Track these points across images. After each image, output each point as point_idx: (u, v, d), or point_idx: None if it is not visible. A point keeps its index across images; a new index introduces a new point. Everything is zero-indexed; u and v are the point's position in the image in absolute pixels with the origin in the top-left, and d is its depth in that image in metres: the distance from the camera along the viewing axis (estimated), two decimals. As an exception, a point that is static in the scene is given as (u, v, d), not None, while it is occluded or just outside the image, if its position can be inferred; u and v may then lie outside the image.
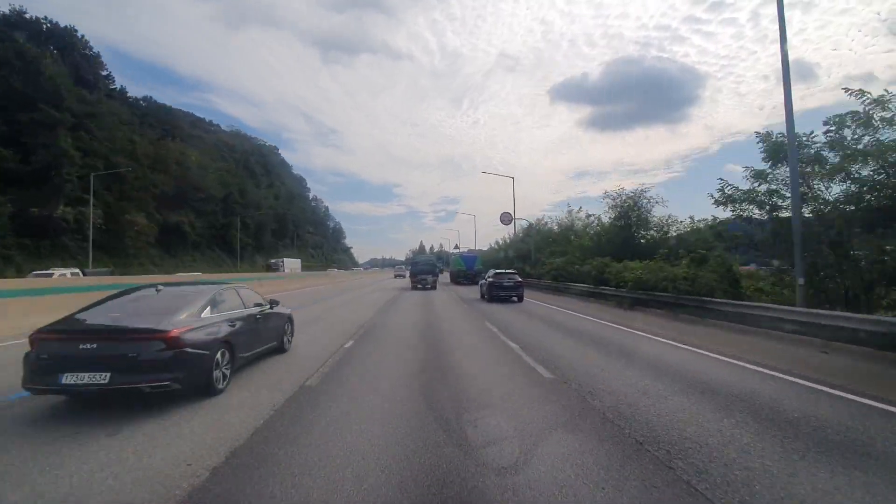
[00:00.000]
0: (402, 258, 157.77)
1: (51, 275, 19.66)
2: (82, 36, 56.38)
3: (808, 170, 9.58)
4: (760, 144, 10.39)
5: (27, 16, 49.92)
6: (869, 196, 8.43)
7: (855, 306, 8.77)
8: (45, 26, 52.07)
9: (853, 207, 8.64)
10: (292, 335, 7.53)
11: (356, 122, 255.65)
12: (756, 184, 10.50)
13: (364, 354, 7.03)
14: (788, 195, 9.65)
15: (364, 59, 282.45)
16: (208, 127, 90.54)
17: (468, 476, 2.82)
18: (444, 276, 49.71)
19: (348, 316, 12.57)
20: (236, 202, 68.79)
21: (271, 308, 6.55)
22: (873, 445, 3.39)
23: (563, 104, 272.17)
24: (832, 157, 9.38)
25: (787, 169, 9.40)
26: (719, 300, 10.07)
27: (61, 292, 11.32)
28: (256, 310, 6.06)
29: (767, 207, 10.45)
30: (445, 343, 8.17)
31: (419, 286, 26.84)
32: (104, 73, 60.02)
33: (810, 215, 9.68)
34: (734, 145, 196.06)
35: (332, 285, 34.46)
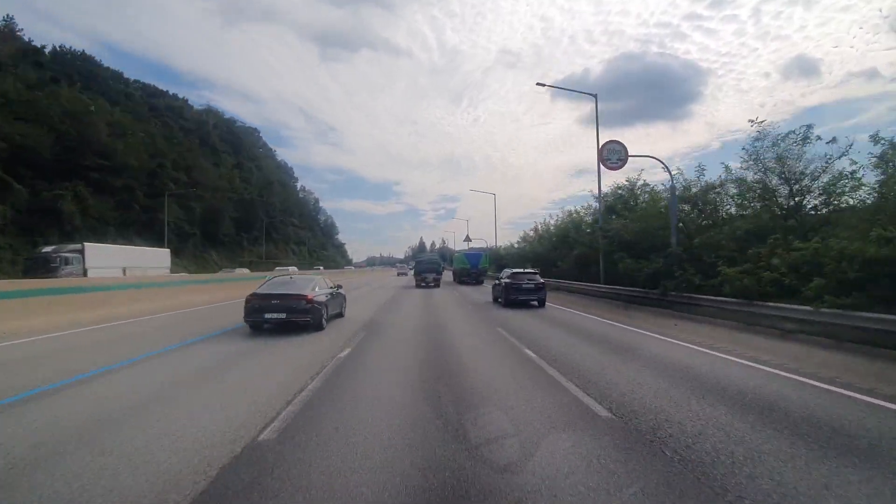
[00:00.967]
0: (402, 256, 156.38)
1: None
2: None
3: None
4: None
5: None
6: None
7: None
8: None
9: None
10: (346, 308, 12.34)
11: (356, 120, 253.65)
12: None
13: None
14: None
15: (363, 55, 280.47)
16: (172, 102, 76.85)
17: None
18: (447, 276, 48.10)
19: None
20: (173, 179, 51.99)
21: (338, 289, 11.62)
22: None
23: (564, 101, 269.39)
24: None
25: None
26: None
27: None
28: (332, 290, 10.94)
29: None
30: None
31: (423, 284, 27.94)
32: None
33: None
34: (735, 142, 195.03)
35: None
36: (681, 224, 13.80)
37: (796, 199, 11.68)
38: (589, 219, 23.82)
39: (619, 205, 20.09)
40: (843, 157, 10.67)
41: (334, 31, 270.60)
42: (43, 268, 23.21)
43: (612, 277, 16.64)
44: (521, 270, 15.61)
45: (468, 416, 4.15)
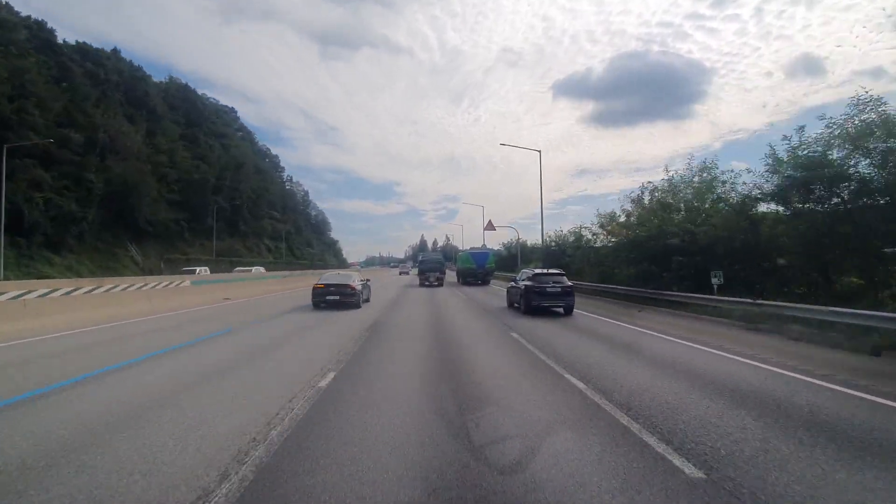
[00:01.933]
0: (402, 255, 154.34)
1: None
2: None
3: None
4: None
5: None
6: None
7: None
8: None
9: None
10: (370, 297, 17.22)
11: (356, 119, 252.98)
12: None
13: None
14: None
15: (363, 53, 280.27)
16: (135, 72, 62.60)
17: None
18: (450, 276, 46.39)
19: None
20: (50, 135, 34.29)
21: (368, 282, 17.23)
22: None
23: (566, 101, 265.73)
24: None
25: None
26: None
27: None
28: (365, 282, 16.59)
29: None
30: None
31: (426, 283, 28.76)
32: None
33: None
34: (737, 142, 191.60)
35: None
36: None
37: None
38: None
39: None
40: None
41: (334, 29, 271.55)
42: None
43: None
44: (545, 271, 13.79)
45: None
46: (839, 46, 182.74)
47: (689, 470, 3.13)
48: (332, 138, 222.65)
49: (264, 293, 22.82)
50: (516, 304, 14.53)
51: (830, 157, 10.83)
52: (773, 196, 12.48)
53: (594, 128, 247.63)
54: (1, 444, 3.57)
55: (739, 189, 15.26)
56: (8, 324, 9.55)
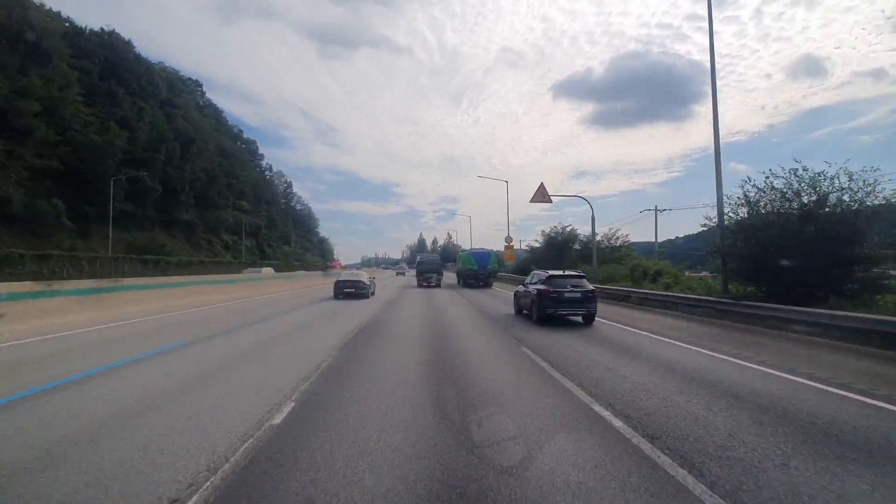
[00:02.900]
0: (399, 256, 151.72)
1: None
2: None
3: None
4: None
5: None
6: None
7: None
8: None
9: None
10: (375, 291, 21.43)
11: (356, 120, 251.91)
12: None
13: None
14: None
15: (363, 53, 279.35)
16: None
17: None
18: (450, 277, 44.13)
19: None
20: None
21: (373, 279, 22.73)
22: None
23: (565, 101, 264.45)
24: None
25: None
26: None
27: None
28: (372, 279, 21.75)
29: None
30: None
31: (424, 284, 29.42)
32: None
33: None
34: (735, 144, 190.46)
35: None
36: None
37: None
38: None
39: None
40: None
41: (334, 28, 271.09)
42: None
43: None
44: (561, 273, 11.50)
45: None
46: (838, 48, 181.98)
47: None
48: (331, 139, 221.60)
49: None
50: (525, 311, 12.56)
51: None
52: None
53: (594, 129, 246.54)
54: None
55: None
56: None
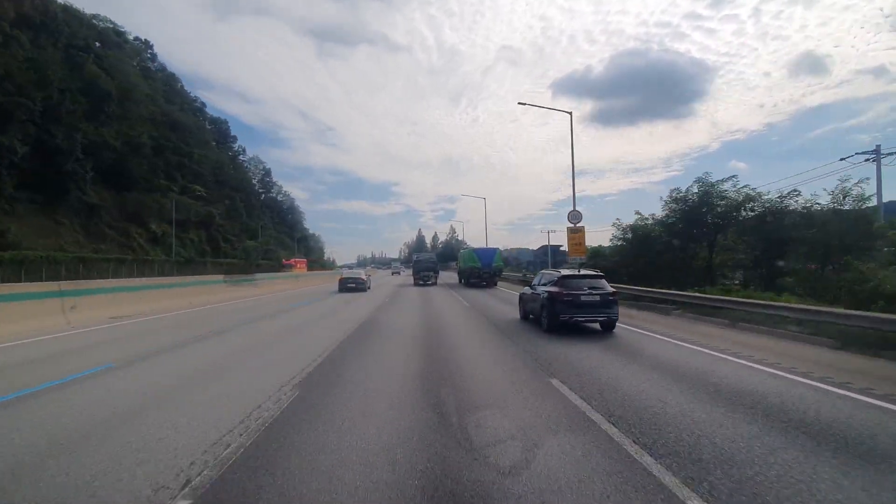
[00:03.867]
0: (396, 255, 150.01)
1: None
2: None
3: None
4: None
5: None
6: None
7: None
8: None
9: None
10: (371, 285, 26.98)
11: (354, 119, 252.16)
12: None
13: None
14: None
15: (361, 51, 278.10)
16: None
17: None
18: (452, 276, 42.60)
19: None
20: None
21: (370, 277, 29.10)
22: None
23: (564, 100, 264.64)
24: None
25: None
26: None
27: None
28: (369, 276, 28.10)
29: None
30: None
31: (420, 283, 30.34)
32: None
33: None
34: (734, 143, 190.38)
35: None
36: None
37: None
38: None
39: None
40: None
41: (331, 25, 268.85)
42: None
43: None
44: (576, 273, 10.02)
45: None
46: (837, 47, 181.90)
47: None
48: (330, 139, 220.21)
49: None
50: (532, 316, 11.19)
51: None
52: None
53: (594, 127, 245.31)
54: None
55: None
56: None
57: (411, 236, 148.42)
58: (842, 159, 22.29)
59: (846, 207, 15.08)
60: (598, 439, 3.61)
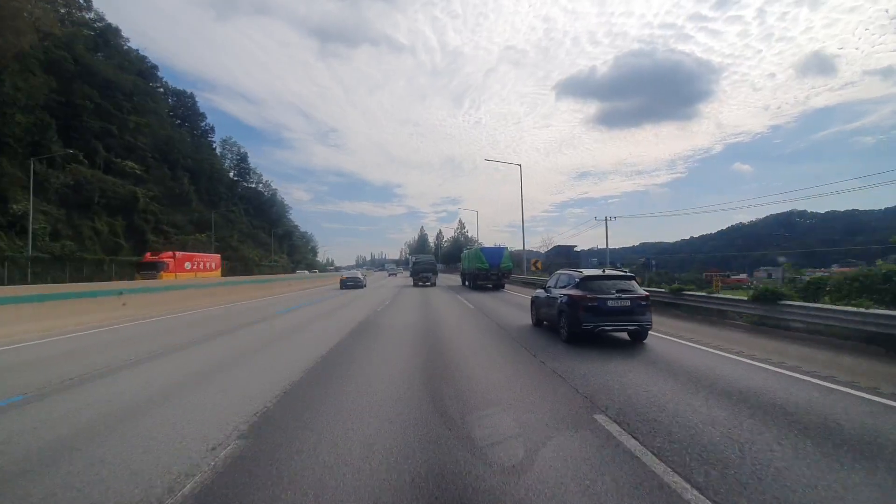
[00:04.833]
0: (397, 256, 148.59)
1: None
2: None
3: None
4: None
5: None
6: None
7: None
8: None
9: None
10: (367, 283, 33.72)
11: (357, 120, 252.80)
12: None
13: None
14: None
15: (363, 51, 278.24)
16: None
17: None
18: (454, 279, 41.24)
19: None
20: None
21: (366, 276, 38.80)
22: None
23: (567, 102, 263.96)
24: None
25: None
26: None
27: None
28: (365, 276, 36.13)
29: None
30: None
31: (419, 283, 31.12)
32: None
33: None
34: (738, 145, 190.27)
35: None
36: None
37: None
38: None
39: None
40: None
41: (333, 25, 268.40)
42: None
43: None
44: (600, 273, 8.55)
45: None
46: (842, 48, 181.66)
47: None
48: (332, 140, 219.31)
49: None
50: (547, 323, 9.78)
51: None
52: None
53: (598, 129, 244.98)
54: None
55: None
56: None
57: (413, 237, 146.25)
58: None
59: None
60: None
